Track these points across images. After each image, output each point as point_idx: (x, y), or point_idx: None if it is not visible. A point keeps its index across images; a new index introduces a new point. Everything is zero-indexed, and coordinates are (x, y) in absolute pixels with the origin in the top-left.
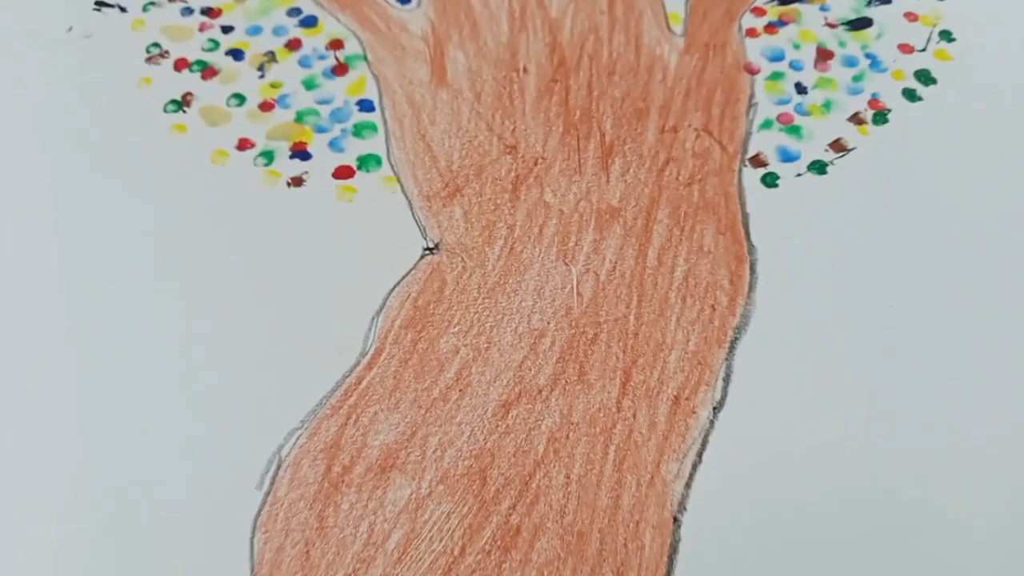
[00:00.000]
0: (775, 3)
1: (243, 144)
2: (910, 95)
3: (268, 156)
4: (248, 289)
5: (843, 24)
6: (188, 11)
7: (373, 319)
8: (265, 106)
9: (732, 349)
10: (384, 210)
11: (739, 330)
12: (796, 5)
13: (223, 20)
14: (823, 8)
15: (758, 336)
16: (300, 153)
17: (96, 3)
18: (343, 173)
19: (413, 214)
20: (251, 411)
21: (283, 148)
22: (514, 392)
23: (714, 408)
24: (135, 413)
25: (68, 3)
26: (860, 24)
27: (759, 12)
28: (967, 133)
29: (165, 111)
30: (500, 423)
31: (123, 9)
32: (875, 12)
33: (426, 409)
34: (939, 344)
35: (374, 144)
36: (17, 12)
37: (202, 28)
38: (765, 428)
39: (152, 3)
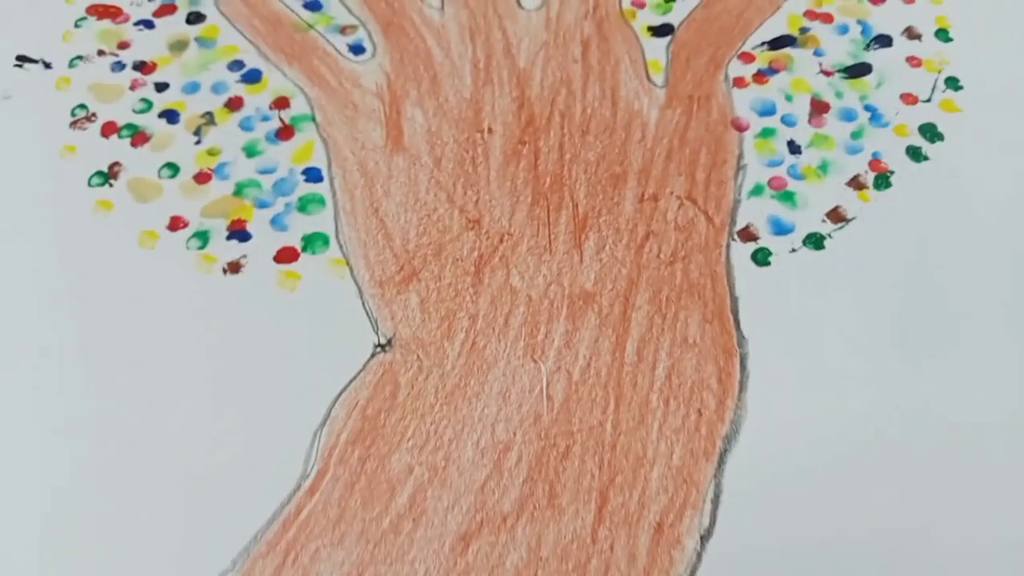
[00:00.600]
0: (764, 48)
1: (175, 223)
2: (915, 154)
3: (203, 237)
4: (173, 397)
5: (840, 71)
6: (119, 66)
7: (316, 433)
8: (201, 177)
9: (721, 463)
10: (330, 300)
11: (728, 440)
12: (788, 50)
13: (158, 76)
14: (817, 53)
15: (750, 448)
16: (238, 233)
17: (17, 58)
18: (286, 256)
19: (363, 303)
20: (173, 549)
21: (220, 227)
22: (475, 521)
23: (701, 537)
24: (28, 548)
25: None
26: (858, 71)
27: (747, 58)
28: (978, 198)
29: (90, 185)
30: (459, 560)
31: (47, 65)
32: (874, 57)
33: (375, 544)
34: (955, 456)
35: (321, 221)
36: None
37: (134, 86)
38: (760, 562)
39: (80, 57)
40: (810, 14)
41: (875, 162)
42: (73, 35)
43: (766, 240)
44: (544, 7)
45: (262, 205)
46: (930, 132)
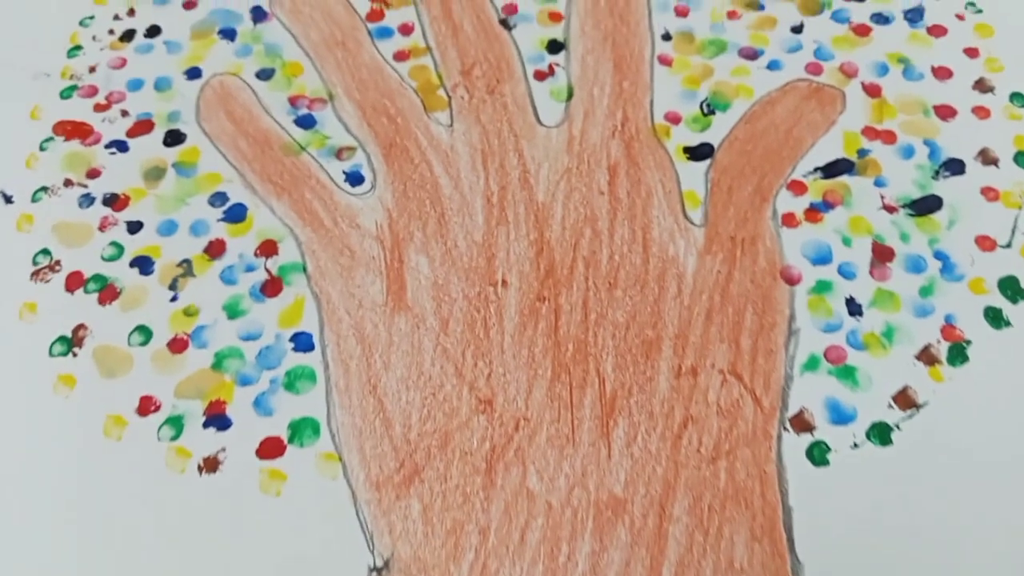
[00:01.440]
0: (818, 175)
1: (145, 406)
2: (995, 318)
3: (176, 425)
4: None
5: (905, 206)
6: (88, 200)
7: None
8: (176, 345)
9: None
10: (320, 508)
11: None
12: (845, 178)
13: (130, 212)
14: (879, 183)
15: None
16: (217, 419)
17: None
18: (270, 450)
19: (357, 513)
20: None
21: (196, 411)
22: None
23: None
24: None
25: None
26: (927, 206)
27: (799, 189)
28: None
29: (51, 354)
30: None
31: (8, 199)
32: (945, 187)
33: None
34: None
35: (311, 402)
36: None
37: (103, 226)
38: None
39: (44, 189)
40: (869, 132)
41: (948, 328)
42: (38, 160)
43: (823, 431)
44: (567, 123)
45: (244, 382)
46: (1012, 288)
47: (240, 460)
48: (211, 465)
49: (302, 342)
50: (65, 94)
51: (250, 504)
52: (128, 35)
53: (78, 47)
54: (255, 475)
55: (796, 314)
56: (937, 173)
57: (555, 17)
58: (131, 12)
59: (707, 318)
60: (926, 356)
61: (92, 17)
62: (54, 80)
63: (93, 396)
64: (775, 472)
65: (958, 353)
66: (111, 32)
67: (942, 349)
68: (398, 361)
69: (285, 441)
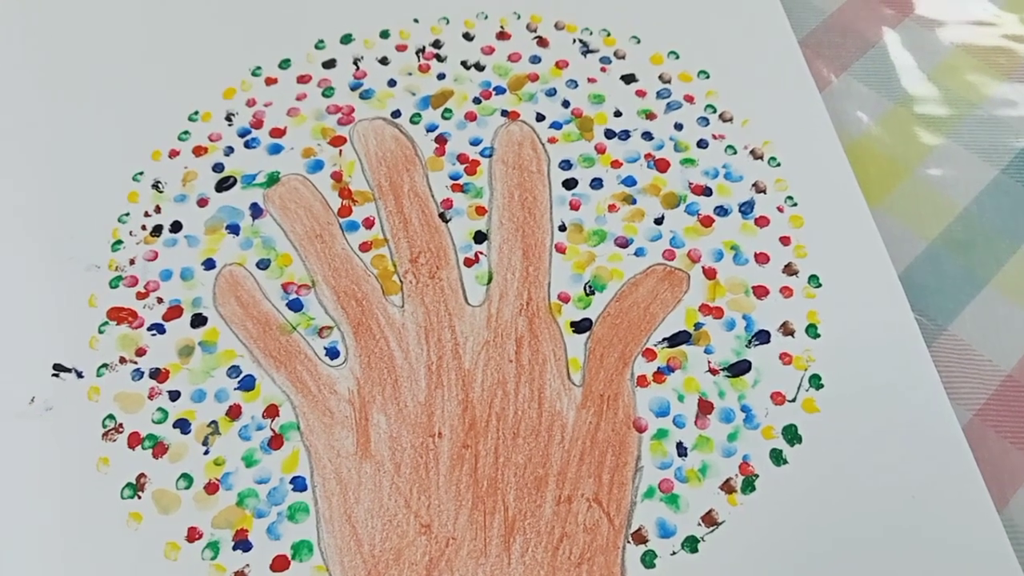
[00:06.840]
0: (664, 344)
1: (192, 535)
2: (776, 457)
3: (214, 548)
4: None
5: (724, 369)
6: (138, 374)
7: None
8: (210, 488)
9: None
10: None
11: None
12: (684, 347)
13: (170, 384)
14: (708, 350)
15: None
16: (242, 543)
17: (54, 367)
18: (280, 565)
19: None
20: None
21: (227, 538)
22: None
23: None
24: None
25: (26, 369)
26: (739, 369)
27: (650, 355)
28: (828, 505)
29: (122, 497)
30: None
31: (80, 375)
32: (754, 354)
33: None
34: None
35: (307, 528)
36: None
37: (151, 395)
38: None
39: (105, 365)
40: (704, 308)
41: (744, 465)
42: (98, 341)
43: (654, 543)
44: (487, 302)
45: (260, 515)
46: (791, 434)
47: (260, 573)
48: None
49: (299, 484)
50: (113, 284)
51: None
52: (157, 230)
53: (119, 242)
54: None
55: (642, 455)
56: (749, 342)
57: (480, 211)
58: (157, 208)
59: (580, 459)
60: (727, 487)
61: (128, 214)
62: (103, 272)
63: (155, 528)
64: (619, 572)
65: (748, 485)
66: (143, 228)
67: (739, 481)
68: (365, 497)
69: (289, 558)
